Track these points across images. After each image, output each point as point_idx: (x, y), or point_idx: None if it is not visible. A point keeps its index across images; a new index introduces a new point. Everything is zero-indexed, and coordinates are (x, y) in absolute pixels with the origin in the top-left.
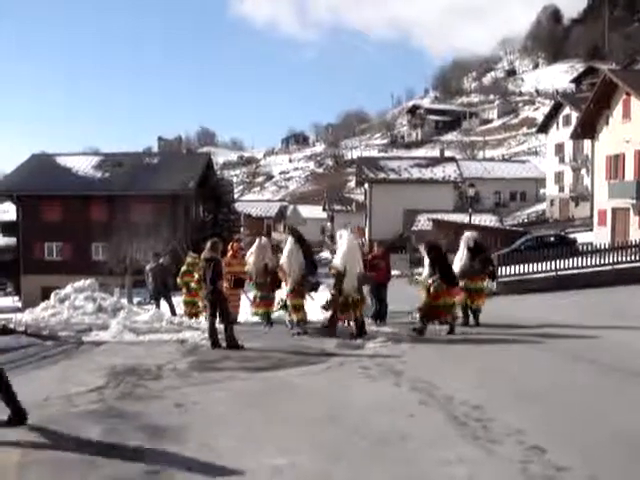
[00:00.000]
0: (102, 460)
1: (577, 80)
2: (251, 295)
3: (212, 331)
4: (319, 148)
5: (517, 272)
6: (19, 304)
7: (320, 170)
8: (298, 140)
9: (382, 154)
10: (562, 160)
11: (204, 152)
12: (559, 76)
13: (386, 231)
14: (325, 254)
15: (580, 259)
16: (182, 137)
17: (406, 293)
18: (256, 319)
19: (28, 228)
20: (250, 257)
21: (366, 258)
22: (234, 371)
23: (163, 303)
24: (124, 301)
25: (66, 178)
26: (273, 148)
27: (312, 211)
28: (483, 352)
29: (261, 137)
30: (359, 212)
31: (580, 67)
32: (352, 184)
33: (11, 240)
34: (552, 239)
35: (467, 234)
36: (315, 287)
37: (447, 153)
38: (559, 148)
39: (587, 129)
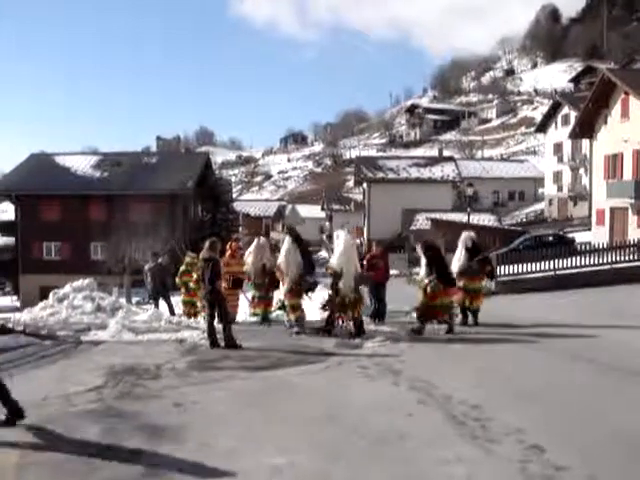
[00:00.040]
0: (101, 461)
1: (576, 79)
2: (249, 295)
3: (211, 331)
4: (318, 148)
5: (515, 272)
6: (17, 303)
7: (319, 170)
8: (297, 140)
9: (381, 153)
10: (560, 160)
11: (202, 152)
12: (558, 75)
13: (385, 230)
14: (323, 253)
15: (578, 259)
16: (180, 137)
17: (405, 293)
18: (254, 319)
19: (27, 227)
20: (248, 257)
21: (364, 257)
22: (233, 370)
23: (162, 303)
24: (123, 301)
25: (65, 178)
26: (272, 148)
27: (310, 211)
28: (482, 351)
29: (260, 137)
30: (358, 211)
31: (579, 66)
32: (351, 184)
33: (10, 240)
34: (550, 239)
35: (465, 234)
36: (313, 287)
37: (446, 152)
38: (557, 147)
39: (585, 128)
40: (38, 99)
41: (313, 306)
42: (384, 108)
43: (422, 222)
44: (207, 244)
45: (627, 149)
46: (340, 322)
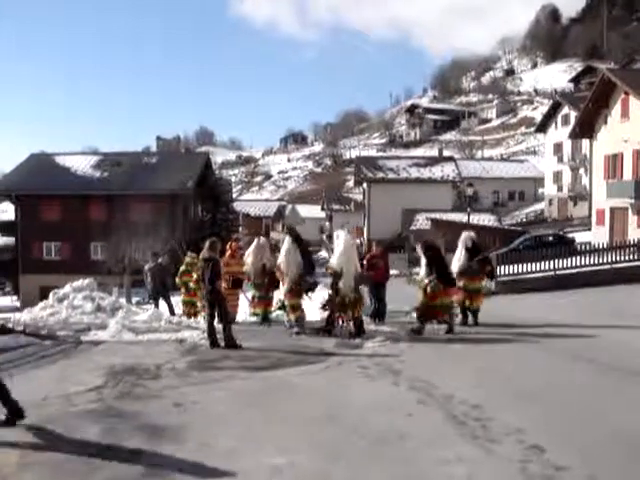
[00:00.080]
0: (101, 461)
1: (576, 79)
2: (249, 295)
3: (211, 331)
4: (318, 148)
5: (515, 272)
6: (17, 303)
7: (319, 170)
8: (297, 140)
9: (381, 153)
10: (560, 160)
11: (202, 152)
12: (558, 75)
13: (385, 230)
14: (323, 253)
15: (578, 258)
16: (180, 137)
17: (405, 292)
18: (254, 319)
19: (27, 227)
20: (248, 257)
21: (364, 257)
22: (233, 370)
23: (162, 303)
24: (123, 301)
25: (65, 178)
26: (272, 148)
27: (311, 210)
28: (482, 351)
29: (260, 137)
30: (358, 211)
31: (579, 66)
32: (351, 183)
33: (10, 240)
34: (550, 238)
35: (465, 234)
36: (313, 287)
37: (446, 152)
38: (557, 148)
39: (585, 128)
40: (38, 99)
41: (313, 306)
42: (384, 108)
43: (422, 222)
44: (207, 244)
45: (627, 149)
46: (340, 322)
